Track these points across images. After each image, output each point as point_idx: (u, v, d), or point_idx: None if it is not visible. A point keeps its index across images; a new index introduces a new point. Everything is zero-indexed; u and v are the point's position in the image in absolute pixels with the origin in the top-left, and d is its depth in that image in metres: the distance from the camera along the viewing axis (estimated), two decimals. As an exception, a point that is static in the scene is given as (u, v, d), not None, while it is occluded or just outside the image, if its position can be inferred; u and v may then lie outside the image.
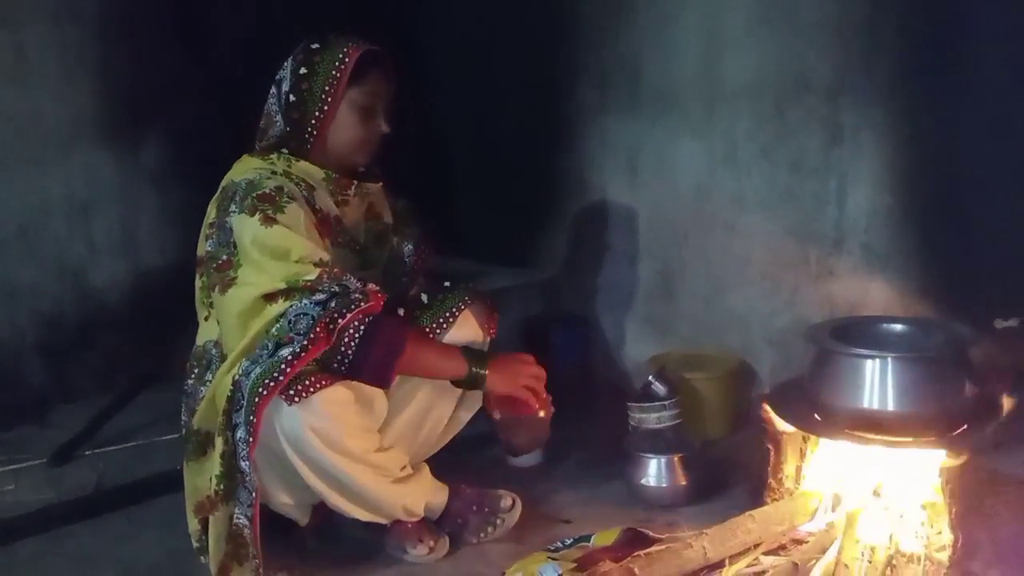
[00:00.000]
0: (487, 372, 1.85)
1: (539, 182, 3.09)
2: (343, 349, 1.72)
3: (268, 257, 1.74)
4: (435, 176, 3.45)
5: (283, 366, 1.65)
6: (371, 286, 1.79)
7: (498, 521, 1.98)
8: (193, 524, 1.88)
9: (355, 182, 1.98)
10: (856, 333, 1.90)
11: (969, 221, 2.07)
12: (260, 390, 1.65)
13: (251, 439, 1.67)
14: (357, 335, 1.72)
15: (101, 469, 2.46)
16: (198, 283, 1.91)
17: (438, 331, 1.96)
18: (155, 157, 3.14)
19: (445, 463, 2.02)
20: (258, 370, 1.67)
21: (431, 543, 1.92)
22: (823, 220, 2.33)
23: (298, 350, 1.66)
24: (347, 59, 1.86)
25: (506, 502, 2.00)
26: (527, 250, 3.15)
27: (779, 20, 2.35)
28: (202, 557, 1.86)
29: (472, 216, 3.37)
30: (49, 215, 2.98)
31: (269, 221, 1.75)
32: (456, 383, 1.90)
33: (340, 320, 1.70)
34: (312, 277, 1.72)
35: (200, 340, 1.91)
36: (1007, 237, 2.01)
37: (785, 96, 2.37)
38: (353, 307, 1.72)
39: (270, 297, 1.73)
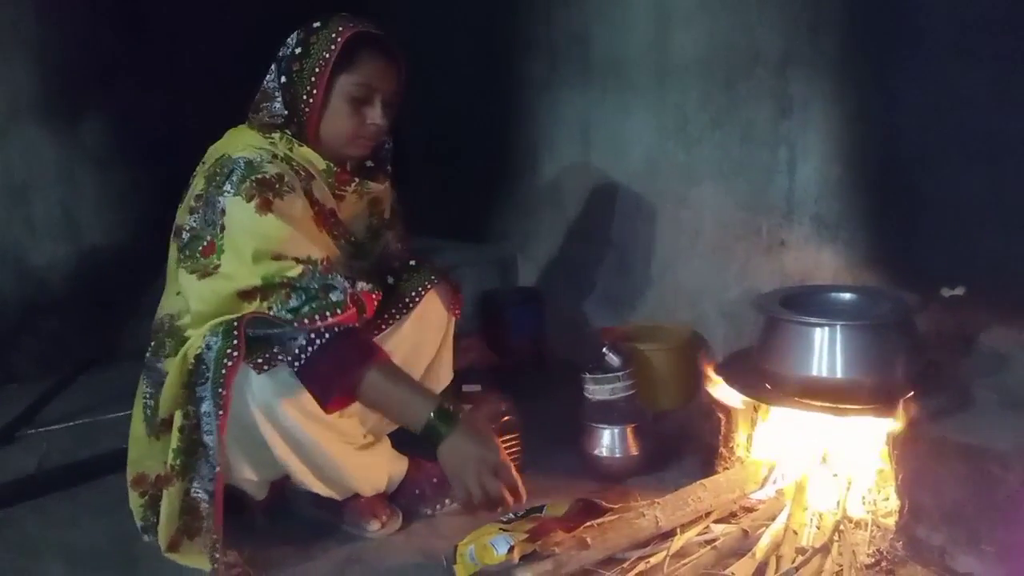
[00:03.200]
0: (444, 439, 1.68)
1: (492, 157, 3.07)
2: (298, 349, 1.65)
3: (253, 249, 1.65)
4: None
5: (234, 325, 1.62)
6: (361, 286, 1.71)
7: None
8: (135, 500, 1.84)
9: (356, 180, 1.87)
10: (805, 302, 1.91)
11: (916, 191, 2.08)
12: (225, 360, 1.62)
13: (221, 411, 1.63)
14: (319, 340, 1.65)
15: (43, 450, 2.41)
16: (174, 254, 1.79)
17: (403, 311, 1.93)
18: (95, 137, 3.07)
19: (403, 436, 1.99)
20: (219, 341, 1.64)
21: (383, 518, 1.90)
22: (774, 191, 2.34)
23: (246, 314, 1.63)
24: (339, 40, 1.73)
25: None
26: (482, 226, 3.14)
27: (728, -9, 2.35)
28: (146, 536, 1.82)
29: (426, 192, 3.33)
30: (-14, 196, 2.90)
31: (263, 209, 1.65)
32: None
33: (310, 325, 1.63)
34: (293, 274, 1.65)
35: (163, 311, 1.84)
36: (953, 207, 2.03)
37: (735, 68, 2.37)
38: (327, 314, 1.64)
39: (246, 295, 1.66)
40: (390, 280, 1.95)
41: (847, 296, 1.96)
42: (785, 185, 2.31)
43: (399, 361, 1.82)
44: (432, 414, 1.68)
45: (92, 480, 2.18)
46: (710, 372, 1.94)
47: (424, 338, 1.98)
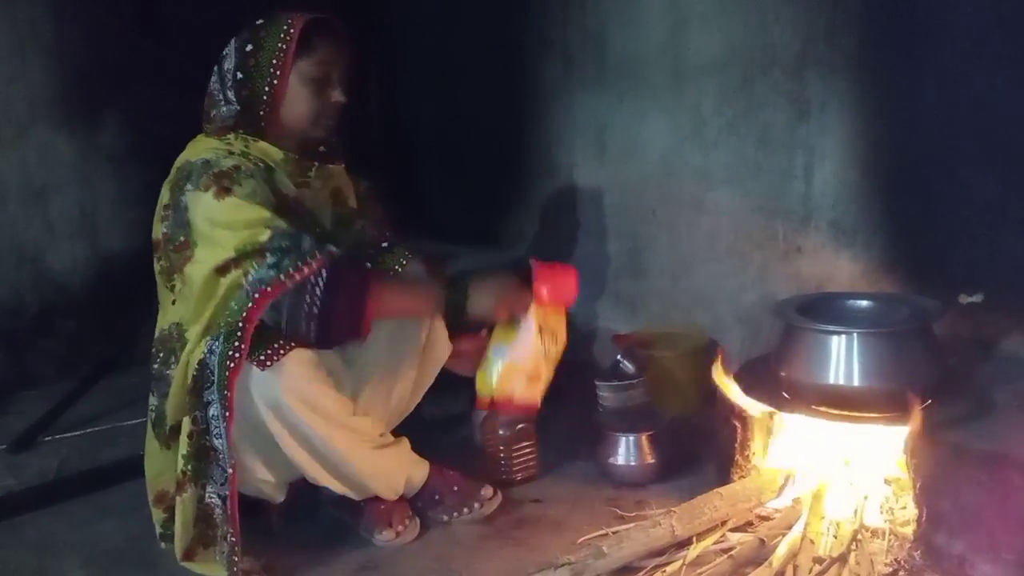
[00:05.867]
0: (468, 295, 1.89)
1: (506, 160, 3.07)
2: (308, 300, 1.69)
3: (220, 229, 1.70)
4: (400, 156, 3.42)
5: (239, 327, 1.65)
6: (329, 247, 1.76)
7: (475, 505, 1.97)
8: (157, 513, 1.86)
9: (315, 164, 1.94)
10: (822, 309, 1.90)
11: (934, 196, 2.07)
12: (228, 362, 1.64)
13: (227, 412, 1.65)
14: (320, 284, 1.70)
15: (63, 455, 2.42)
16: (157, 267, 1.86)
17: None
18: (113, 138, 3.08)
19: (417, 441, 2.00)
20: (222, 343, 1.66)
21: (400, 527, 1.90)
22: (790, 195, 2.32)
23: (250, 304, 1.66)
24: (292, 30, 1.82)
25: (487, 491, 1.99)
26: (495, 229, 3.13)
27: (745, -7, 2.34)
28: (162, 543, 1.84)
29: (439, 196, 3.34)
30: (4, 199, 2.91)
31: (222, 193, 1.71)
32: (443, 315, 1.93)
33: (296, 275, 1.68)
34: (263, 238, 1.69)
35: (163, 323, 1.87)
36: (971, 212, 2.01)
37: (751, 70, 2.35)
38: (309, 259, 1.69)
39: (222, 270, 1.70)
40: (368, 265, 1.99)
41: (864, 303, 1.95)
42: (802, 190, 2.29)
43: (387, 339, 1.91)
44: (443, 291, 1.90)
45: (111, 486, 2.19)
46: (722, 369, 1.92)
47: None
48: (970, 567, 1.58)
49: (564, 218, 2.93)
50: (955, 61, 1.99)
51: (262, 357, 1.67)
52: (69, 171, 3.02)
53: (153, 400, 1.86)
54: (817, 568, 1.61)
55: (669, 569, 1.68)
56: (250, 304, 1.67)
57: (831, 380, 1.76)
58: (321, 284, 1.70)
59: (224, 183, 1.72)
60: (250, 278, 1.68)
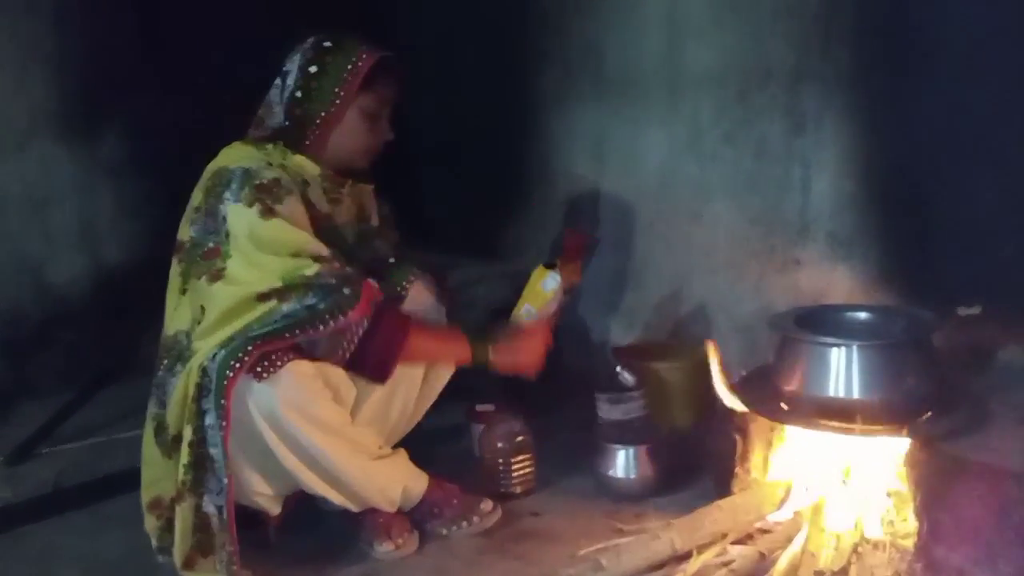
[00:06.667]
0: (491, 351, 1.95)
1: (505, 170, 3.07)
2: (345, 345, 1.74)
3: (264, 252, 1.72)
4: (399, 166, 3.42)
5: (249, 347, 1.65)
6: (369, 282, 1.80)
7: (474, 519, 1.97)
8: (151, 522, 1.85)
9: (349, 181, 1.97)
10: (820, 321, 1.90)
11: (930, 208, 2.07)
12: (227, 372, 1.65)
13: (224, 422, 1.65)
14: (359, 333, 1.75)
15: (60, 467, 2.42)
16: (176, 268, 1.85)
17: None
18: (113, 150, 3.09)
19: (416, 453, 2.00)
20: (223, 353, 1.66)
21: (399, 540, 1.90)
22: (787, 208, 2.33)
23: (268, 332, 1.67)
24: (360, 63, 1.86)
25: (486, 505, 1.99)
26: (494, 240, 3.13)
27: (741, 6, 2.35)
28: (160, 556, 1.83)
29: (438, 207, 3.34)
30: (5, 210, 2.92)
31: (268, 213, 1.73)
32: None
33: (332, 324, 1.71)
34: (310, 272, 1.71)
35: (170, 329, 1.86)
36: (968, 223, 2.02)
37: (748, 83, 2.36)
38: (347, 308, 1.72)
39: (264, 296, 1.71)
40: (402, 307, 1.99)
41: (862, 315, 1.95)
42: (799, 202, 2.30)
43: None
44: (471, 345, 1.95)
45: (110, 497, 2.20)
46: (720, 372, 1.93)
47: None
48: (969, 579, 1.58)
49: (562, 229, 2.93)
50: (950, 73, 2.00)
51: (259, 369, 1.67)
52: (69, 183, 3.03)
53: (153, 407, 1.85)
54: (818, 581, 1.62)
55: (669, 582, 1.68)
56: (275, 334, 1.68)
57: (830, 392, 1.75)
58: (360, 332, 1.75)
59: (267, 200, 1.73)
60: (285, 309, 1.70)
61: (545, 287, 2.12)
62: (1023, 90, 1.88)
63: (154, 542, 1.85)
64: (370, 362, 1.80)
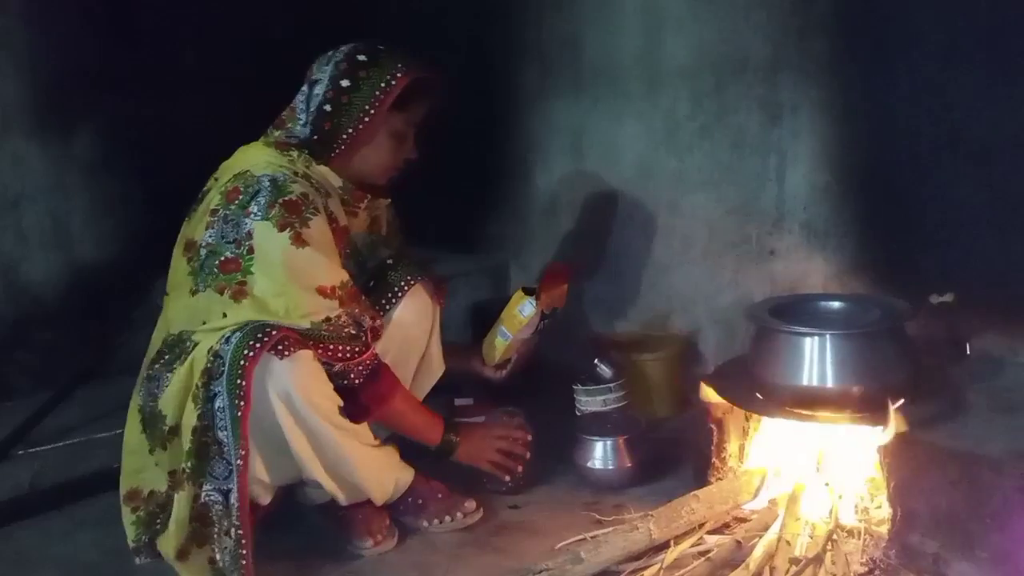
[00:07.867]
0: (458, 442, 1.97)
1: (483, 163, 3.07)
2: (352, 376, 1.78)
3: (294, 283, 1.70)
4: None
5: (269, 329, 1.65)
6: (378, 324, 1.85)
7: (458, 515, 1.97)
8: (128, 516, 1.81)
9: (368, 196, 1.95)
10: (795, 311, 1.91)
11: (906, 197, 2.09)
12: (246, 352, 1.62)
13: (240, 402, 1.62)
14: (362, 375, 1.80)
15: (36, 468, 2.39)
16: (184, 267, 1.78)
17: (387, 306, 1.97)
18: (86, 147, 3.05)
19: (407, 452, 1.99)
20: (239, 335, 1.64)
21: (379, 536, 1.90)
22: (764, 199, 2.34)
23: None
24: (394, 83, 1.79)
25: (470, 504, 1.99)
26: (474, 234, 3.13)
27: (717, -1, 2.35)
28: (138, 558, 1.80)
29: (418, 201, 3.32)
30: (-24, 209, 2.89)
31: (300, 242, 1.69)
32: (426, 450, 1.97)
33: (344, 360, 1.76)
34: (333, 315, 1.73)
35: (175, 328, 1.80)
36: (943, 212, 2.03)
37: (724, 75, 2.37)
38: (361, 350, 1.78)
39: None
40: (371, 284, 2.00)
41: (837, 304, 1.96)
42: (775, 192, 2.31)
43: (391, 356, 1.92)
44: (443, 431, 1.96)
45: (84, 499, 2.17)
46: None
47: (412, 332, 2.02)
48: (945, 565, 1.59)
49: (541, 222, 2.94)
50: (925, 65, 2.01)
51: (280, 347, 1.65)
52: (43, 181, 2.99)
53: (141, 399, 1.81)
54: (793, 569, 1.62)
55: (647, 573, 1.69)
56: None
57: (805, 381, 1.76)
58: (364, 374, 1.80)
59: (296, 224, 1.70)
60: (308, 324, 1.71)
61: (522, 312, 2.11)
62: (1001, 79, 1.90)
63: (130, 541, 1.81)
64: (359, 401, 1.81)
